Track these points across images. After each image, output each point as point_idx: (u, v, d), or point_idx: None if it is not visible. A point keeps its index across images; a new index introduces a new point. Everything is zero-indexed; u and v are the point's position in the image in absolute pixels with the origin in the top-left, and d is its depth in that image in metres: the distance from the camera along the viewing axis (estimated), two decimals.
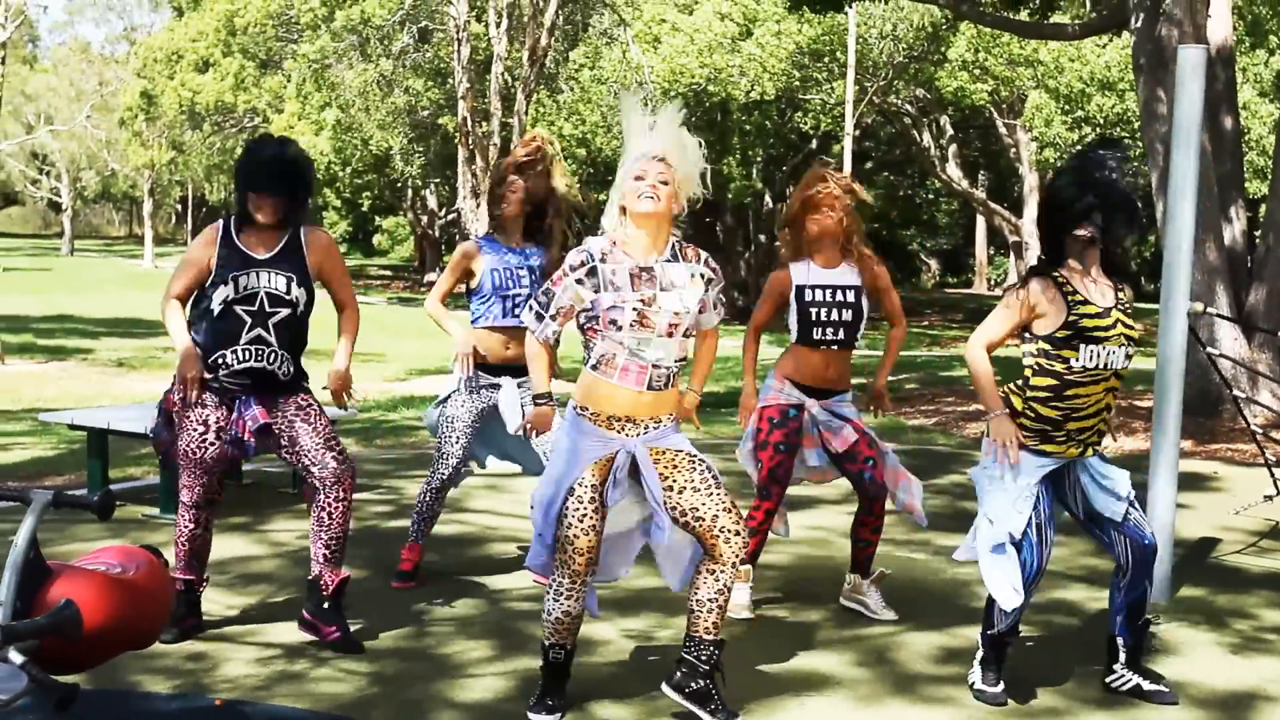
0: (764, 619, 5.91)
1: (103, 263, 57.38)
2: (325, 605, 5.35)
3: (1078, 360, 4.68)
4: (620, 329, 4.43)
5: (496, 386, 6.24)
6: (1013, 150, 32.98)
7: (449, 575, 6.51)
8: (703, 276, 4.60)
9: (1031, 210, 31.94)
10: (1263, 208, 21.50)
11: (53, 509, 3.86)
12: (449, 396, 6.26)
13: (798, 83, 29.91)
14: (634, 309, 4.42)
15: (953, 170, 34.55)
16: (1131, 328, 4.77)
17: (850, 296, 5.78)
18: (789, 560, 6.96)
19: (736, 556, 4.50)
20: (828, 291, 5.77)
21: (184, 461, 5.26)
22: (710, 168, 4.70)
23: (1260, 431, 7.34)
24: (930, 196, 49.26)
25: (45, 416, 8.44)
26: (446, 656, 5.30)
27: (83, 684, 3.67)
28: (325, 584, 5.35)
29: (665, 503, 4.51)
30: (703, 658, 4.57)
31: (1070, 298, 4.71)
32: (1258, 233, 16.35)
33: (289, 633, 5.51)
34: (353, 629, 5.45)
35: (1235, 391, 8.07)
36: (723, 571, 4.51)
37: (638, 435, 4.52)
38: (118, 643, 4.10)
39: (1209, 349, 7.87)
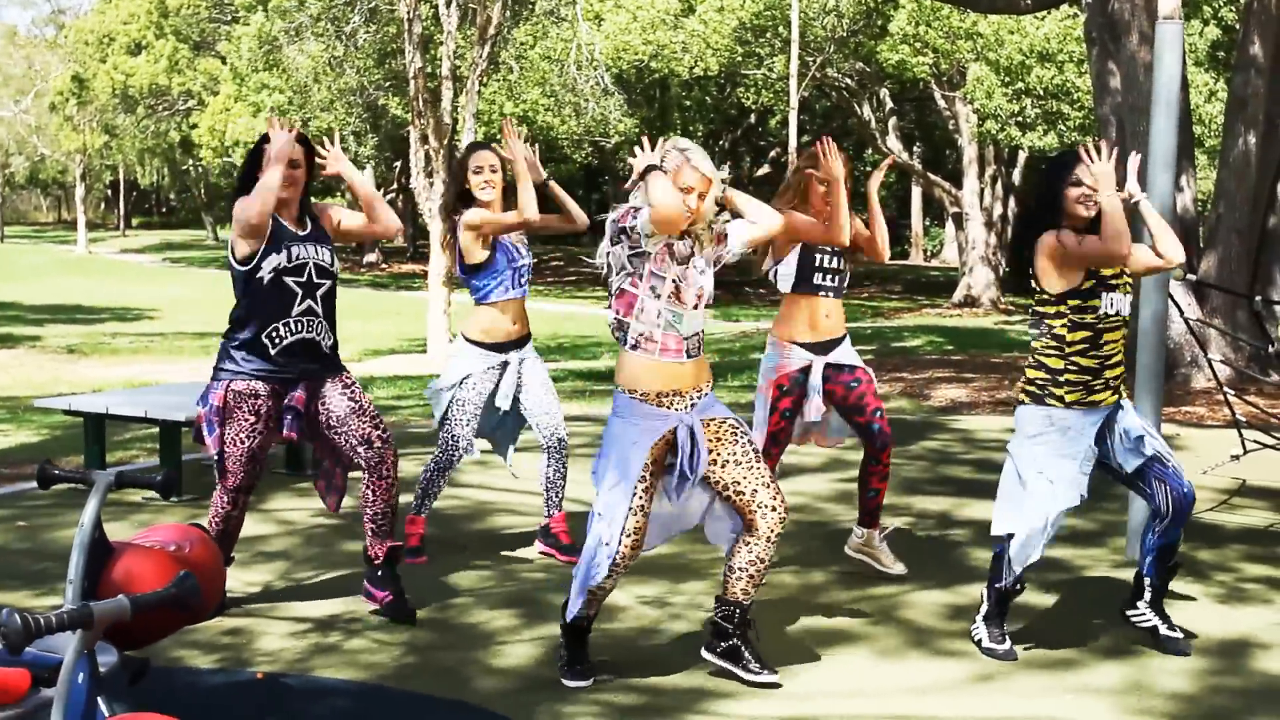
0: (770, 583, 6.09)
1: (35, 249, 56.66)
2: (378, 572, 5.51)
3: (1101, 308, 4.98)
4: (659, 298, 4.57)
5: (504, 364, 6.36)
6: (951, 122, 33.33)
7: (456, 550, 6.64)
8: (714, 232, 4.73)
9: (972, 182, 32.28)
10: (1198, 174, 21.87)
11: (115, 490, 3.99)
12: (462, 380, 6.34)
13: (740, 58, 30.07)
14: (672, 281, 4.58)
15: (893, 142, 34.88)
16: (1131, 276, 5.11)
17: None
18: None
19: (772, 531, 4.66)
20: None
21: (230, 449, 5.33)
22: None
23: (1231, 392, 7.60)
24: (867, 169, 49.60)
25: (41, 403, 8.48)
26: (473, 626, 5.44)
27: None
28: (375, 554, 5.50)
29: (708, 476, 4.68)
30: (726, 616, 4.76)
31: None
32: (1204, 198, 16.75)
33: (317, 607, 5.64)
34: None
35: (1192, 354, 8.34)
36: (758, 544, 4.67)
37: (687, 408, 4.67)
38: (177, 619, 4.23)
39: (1184, 314, 8.14)
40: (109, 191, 74.83)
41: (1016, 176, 34.70)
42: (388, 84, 27.75)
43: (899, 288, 39.02)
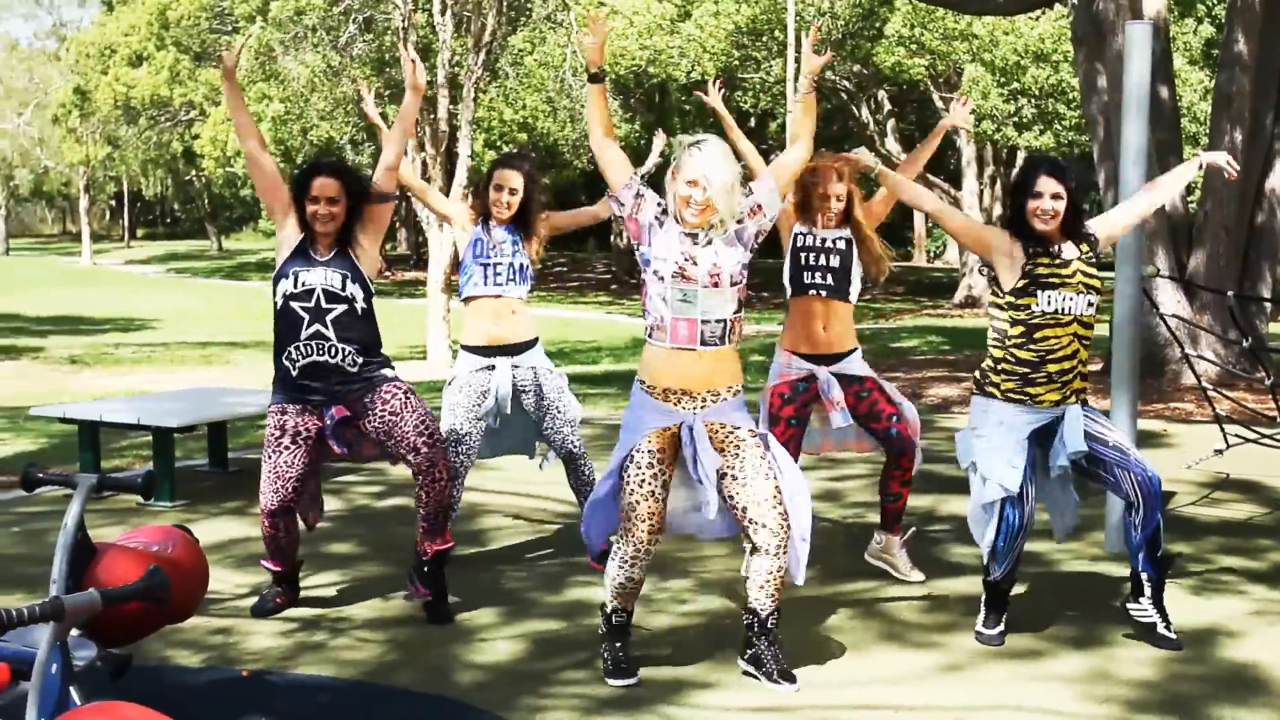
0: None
1: (40, 261, 56.91)
2: (425, 568, 5.64)
3: (1037, 305, 5.09)
4: (663, 280, 4.61)
5: (491, 368, 6.28)
6: None
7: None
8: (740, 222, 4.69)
9: (971, 182, 32.38)
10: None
11: (97, 492, 4.10)
12: (450, 382, 6.33)
13: (736, 62, 30.18)
14: (675, 262, 4.59)
15: (892, 144, 34.94)
16: (1093, 277, 5.16)
17: (841, 244, 6.00)
18: None
19: (766, 546, 4.68)
20: (819, 239, 6.00)
21: (262, 467, 5.49)
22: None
23: (1210, 388, 7.69)
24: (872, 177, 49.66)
25: (37, 411, 8.60)
26: (456, 623, 5.54)
27: None
28: (423, 550, 5.63)
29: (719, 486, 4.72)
30: (748, 624, 4.86)
31: (1029, 251, 5.16)
32: (1192, 198, 16.84)
33: (306, 607, 5.74)
34: (359, 603, 5.74)
35: (1184, 351, 8.41)
36: (761, 558, 4.73)
37: (694, 409, 4.69)
38: (160, 617, 4.34)
39: (1160, 309, 8.22)
40: (113, 203, 75.05)
41: (1015, 176, 34.73)
42: (386, 93, 27.88)
43: (901, 290, 39.05)
